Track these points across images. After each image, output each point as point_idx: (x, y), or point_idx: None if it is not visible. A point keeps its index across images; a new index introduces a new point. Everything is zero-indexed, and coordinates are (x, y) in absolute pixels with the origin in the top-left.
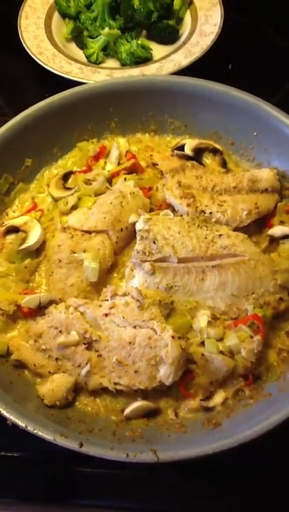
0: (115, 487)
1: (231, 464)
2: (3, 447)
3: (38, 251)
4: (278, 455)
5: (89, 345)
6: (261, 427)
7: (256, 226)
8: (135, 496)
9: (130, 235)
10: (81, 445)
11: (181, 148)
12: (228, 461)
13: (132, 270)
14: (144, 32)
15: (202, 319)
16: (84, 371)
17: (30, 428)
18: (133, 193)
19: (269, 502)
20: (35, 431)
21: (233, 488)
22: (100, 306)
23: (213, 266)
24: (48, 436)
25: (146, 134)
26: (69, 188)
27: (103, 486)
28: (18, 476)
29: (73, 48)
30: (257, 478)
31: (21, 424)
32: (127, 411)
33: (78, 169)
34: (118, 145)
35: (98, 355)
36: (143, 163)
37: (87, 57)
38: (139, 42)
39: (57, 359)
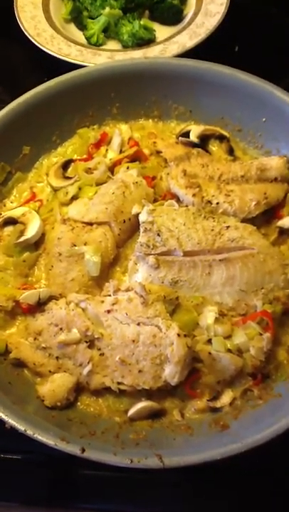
0: (116, 489)
1: (231, 463)
2: (4, 449)
3: (37, 244)
4: (278, 455)
5: (91, 343)
6: (271, 431)
7: (265, 217)
8: (136, 498)
9: (133, 227)
10: (83, 450)
11: (186, 134)
12: (228, 461)
13: (136, 264)
14: (147, 12)
15: (209, 316)
16: (86, 370)
17: (29, 432)
18: (136, 182)
19: (269, 502)
20: (35, 435)
21: (233, 488)
22: (102, 302)
23: (220, 260)
24: (48, 441)
25: (150, 120)
26: (69, 178)
27: (104, 488)
28: (19, 479)
29: (72, 29)
30: (257, 478)
31: (20, 427)
32: (131, 412)
33: (78, 157)
34: (120, 132)
35: (100, 354)
36: (146, 151)
37: (87, 38)
38: (141, 23)
39: (57, 358)
